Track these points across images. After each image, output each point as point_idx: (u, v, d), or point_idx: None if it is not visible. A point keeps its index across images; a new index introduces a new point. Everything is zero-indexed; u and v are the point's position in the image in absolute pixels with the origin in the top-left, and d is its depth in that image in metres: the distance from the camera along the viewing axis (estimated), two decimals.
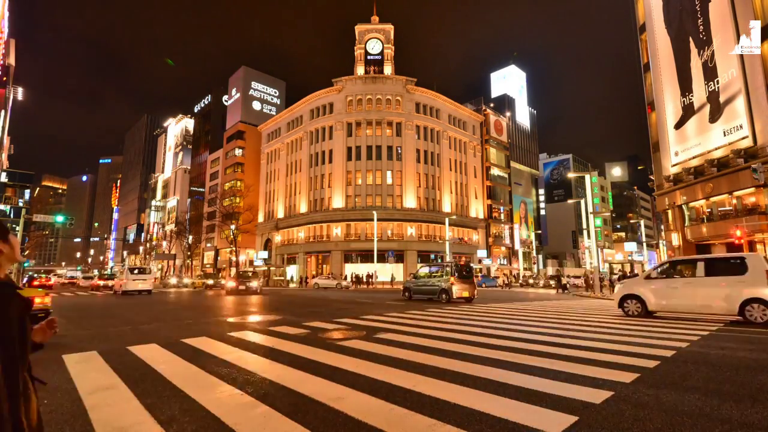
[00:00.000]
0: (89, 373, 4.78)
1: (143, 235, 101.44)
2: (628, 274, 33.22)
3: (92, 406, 3.53)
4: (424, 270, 18.92)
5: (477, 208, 58.99)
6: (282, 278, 44.13)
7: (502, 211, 64.37)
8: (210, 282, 37.42)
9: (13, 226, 31.55)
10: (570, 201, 62.64)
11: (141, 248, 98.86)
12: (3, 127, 38.03)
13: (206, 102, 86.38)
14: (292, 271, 51.81)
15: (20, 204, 40.94)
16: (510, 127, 73.02)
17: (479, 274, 46.21)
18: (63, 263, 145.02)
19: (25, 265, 53.81)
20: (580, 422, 3.09)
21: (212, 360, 5.39)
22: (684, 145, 26.43)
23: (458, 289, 16.47)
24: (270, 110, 77.41)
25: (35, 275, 44.02)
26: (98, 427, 3.08)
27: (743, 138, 22.12)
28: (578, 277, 41.51)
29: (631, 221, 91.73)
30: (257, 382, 4.29)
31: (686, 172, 25.96)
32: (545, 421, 3.11)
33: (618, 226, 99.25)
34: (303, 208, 53.25)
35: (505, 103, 78.79)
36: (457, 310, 12.89)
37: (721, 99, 23.58)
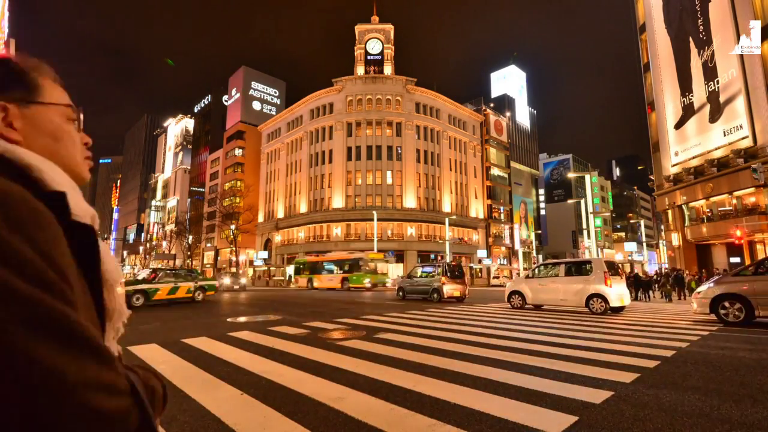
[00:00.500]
0: None
1: (143, 235, 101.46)
2: (628, 275, 33.16)
3: None
4: (418, 270, 19.21)
5: (477, 208, 58.95)
6: (282, 278, 44.11)
7: (502, 211, 64.32)
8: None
9: None
10: (570, 201, 62.69)
11: (141, 248, 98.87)
12: None
13: (206, 102, 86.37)
14: (292, 271, 51.77)
15: None
16: (510, 127, 72.97)
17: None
18: None
19: None
20: (580, 422, 3.09)
21: (212, 360, 5.39)
22: (684, 145, 26.44)
23: (449, 289, 16.84)
24: (270, 110, 77.43)
25: None
26: None
27: (743, 138, 22.14)
28: None
29: (631, 221, 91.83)
30: (257, 382, 4.29)
31: (686, 172, 25.97)
32: (545, 421, 3.11)
33: (618, 226, 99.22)
34: (303, 208, 53.23)
35: (505, 103, 78.75)
36: (456, 310, 12.89)
37: (721, 99, 23.59)
